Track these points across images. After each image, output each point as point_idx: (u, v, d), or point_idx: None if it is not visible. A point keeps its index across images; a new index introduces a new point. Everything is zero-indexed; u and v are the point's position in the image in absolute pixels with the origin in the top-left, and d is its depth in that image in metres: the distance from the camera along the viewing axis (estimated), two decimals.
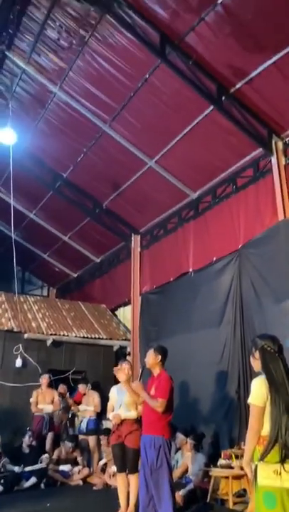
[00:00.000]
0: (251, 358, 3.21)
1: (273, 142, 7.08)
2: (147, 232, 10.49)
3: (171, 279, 9.35)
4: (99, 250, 12.40)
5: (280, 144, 7.08)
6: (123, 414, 5.19)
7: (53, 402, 8.04)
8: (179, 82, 6.86)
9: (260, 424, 2.81)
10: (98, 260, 12.68)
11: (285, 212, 6.71)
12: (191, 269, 8.78)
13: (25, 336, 9.23)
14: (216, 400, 7.29)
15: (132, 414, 5.18)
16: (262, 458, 2.70)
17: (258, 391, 2.85)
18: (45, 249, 13.55)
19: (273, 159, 7.09)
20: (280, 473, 2.63)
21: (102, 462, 7.40)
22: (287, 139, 7.04)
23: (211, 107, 7.03)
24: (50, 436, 7.84)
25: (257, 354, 3.09)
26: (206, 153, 7.97)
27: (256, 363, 3.11)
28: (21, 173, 9.89)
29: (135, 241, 10.71)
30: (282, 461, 2.68)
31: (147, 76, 7.16)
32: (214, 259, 8.15)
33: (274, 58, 6.08)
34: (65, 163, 9.89)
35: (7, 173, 9.52)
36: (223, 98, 6.84)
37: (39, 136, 9.40)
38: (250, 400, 2.88)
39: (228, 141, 7.52)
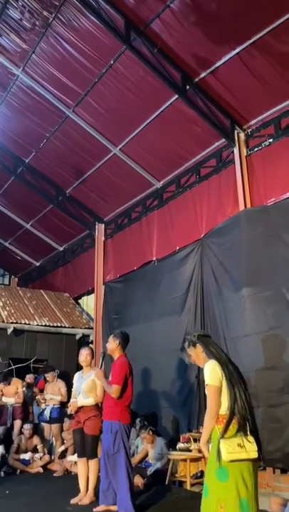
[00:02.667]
0: (189, 359, 3.28)
1: (236, 133, 7.19)
2: (111, 221, 10.46)
3: (135, 268, 9.39)
4: (62, 238, 12.26)
5: (242, 135, 7.19)
6: (80, 402, 5.18)
7: (16, 393, 7.96)
8: (144, 70, 6.83)
9: (218, 403, 2.92)
10: (61, 249, 12.54)
11: (245, 203, 6.85)
12: (154, 258, 8.85)
13: None
14: (176, 386, 7.42)
15: (90, 400, 5.16)
16: (223, 435, 2.81)
17: (213, 372, 2.99)
18: (6, 237, 13.26)
19: (235, 150, 7.20)
20: (244, 446, 2.79)
21: (60, 449, 7.39)
22: (249, 131, 7.17)
23: (176, 96, 7.05)
24: (17, 423, 7.77)
25: (193, 349, 3.21)
26: (171, 142, 8.01)
27: (197, 357, 3.20)
28: None
29: (99, 230, 10.66)
30: (244, 434, 2.84)
31: (112, 62, 7.09)
32: (177, 248, 8.24)
33: (238, 49, 6.14)
34: (28, 148, 9.68)
35: None
36: (188, 87, 6.87)
37: (0, 120, 9.13)
38: (207, 382, 2.99)
39: (192, 130, 7.58)
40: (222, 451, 2.74)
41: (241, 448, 2.77)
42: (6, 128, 9.34)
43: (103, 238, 10.60)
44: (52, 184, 10.33)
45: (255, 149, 7.02)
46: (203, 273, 7.42)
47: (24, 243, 13.14)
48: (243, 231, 6.60)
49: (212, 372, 2.98)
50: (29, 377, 8.77)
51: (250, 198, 6.89)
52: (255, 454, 2.81)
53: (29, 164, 10.06)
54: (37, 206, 11.23)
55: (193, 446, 5.81)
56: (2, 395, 7.89)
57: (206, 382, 3.01)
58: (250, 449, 2.80)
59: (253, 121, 7.07)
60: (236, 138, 7.17)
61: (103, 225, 10.65)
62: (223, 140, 7.37)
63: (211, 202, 7.68)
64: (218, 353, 3.09)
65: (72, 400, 5.27)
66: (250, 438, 2.85)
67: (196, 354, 3.22)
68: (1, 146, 9.86)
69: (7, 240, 13.31)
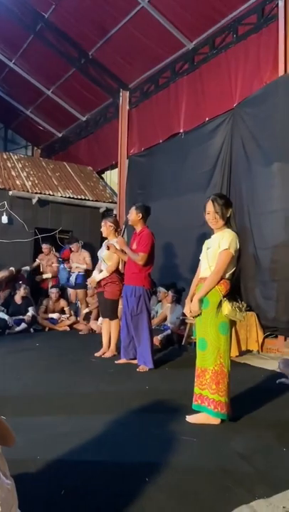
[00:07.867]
0: (213, 214, 3.28)
1: None
2: (137, 88, 9.74)
3: (160, 141, 8.99)
4: (85, 107, 11.64)
5: None
6: (97, 277, 5.49)
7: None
8: None
9: (226, 269, 3.16)
10: (84, 119, 11.99)
11: (286, 67, 6.18)
12: (181, 130, 8.39)
13: (10, 193, 9.12)
14: (196, 259, 7.56)
15: (103, 273, 5.46)
16: (225, 295, 3.13)
17: (235, 241, 3.20)
18: (27, 105, 12.67)
19: (281, 3, 6.28)
20: (242, 308, 3.18)
21: (85, 311, 7.96)
22: None
23: None
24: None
25: (226, 209, 3.29)
26: None
27: (220, 218, 3.27)
28: None
29: (124, 97, 10.01)
30: (239, 298, 3.28)
31: None
32: (206, 119, 7.73)
33: None
34: (46, 0, 8.67)
35: None
36: None
37: None
38: (227, 247, 3.16)
39: None
40: (227, 308, 3.07)
41: (240, 309, 3.14)
42: None
43: (128, 107, 10.00)
44: (74, 45, 9.45)
45: None
46: (232, 147, 7.05)
47: (46, 112, 12.57)
48: (281, 100, 6.05)
49: (234, 241, 3.18)
50: (45, 247, 8.90)
51: None
52: (243, 317, 3.21)
53: (49, 20, 9.11)
54: (58, 71, 10.46)
55: None
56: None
57: (225, 247, 3.16)
58: (243, 312, 3.19)
59: None
60: None
61: (128, 93, 9.96)
62: None
63: (247, 66, 6.95)
64: (236, 226, 3.30)
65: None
66: (244, 303, 3.26)
67: (223, 215, 3.25)
68: None
69: (28, 109, 12.74)
